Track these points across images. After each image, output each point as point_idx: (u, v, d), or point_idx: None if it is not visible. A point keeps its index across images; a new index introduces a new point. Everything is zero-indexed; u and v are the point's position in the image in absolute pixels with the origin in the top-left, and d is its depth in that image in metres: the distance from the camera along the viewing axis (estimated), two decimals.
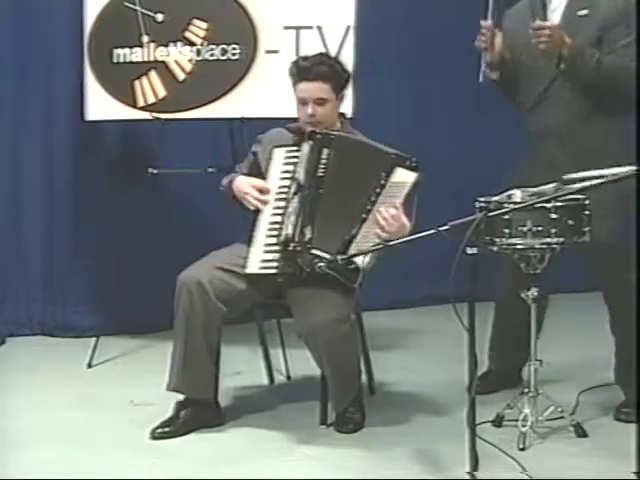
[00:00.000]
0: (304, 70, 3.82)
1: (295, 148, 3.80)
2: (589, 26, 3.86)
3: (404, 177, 3.72)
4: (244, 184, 3.84)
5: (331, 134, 3.80)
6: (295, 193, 3.76)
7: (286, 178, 3.80)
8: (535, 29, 3.82)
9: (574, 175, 3.53)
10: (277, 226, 3.75)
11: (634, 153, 3.70)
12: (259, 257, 3.75)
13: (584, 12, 3.88)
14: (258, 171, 3.90)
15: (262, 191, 3.80)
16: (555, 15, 3.94)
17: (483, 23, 3.99)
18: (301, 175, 3.76)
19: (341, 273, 3.62)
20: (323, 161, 3.75)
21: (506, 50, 4.03)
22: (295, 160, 3.79)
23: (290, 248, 3.69)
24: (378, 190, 3.70)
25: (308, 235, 3.69)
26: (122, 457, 3.57)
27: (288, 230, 3.72)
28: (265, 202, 3.79)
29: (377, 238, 3.65)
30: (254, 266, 3.75)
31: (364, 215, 3.69)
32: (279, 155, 3.83)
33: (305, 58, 3.90)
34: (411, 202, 3.75)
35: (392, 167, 3.72)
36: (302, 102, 3.82)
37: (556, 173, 3.66)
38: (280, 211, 3.77)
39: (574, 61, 3.83)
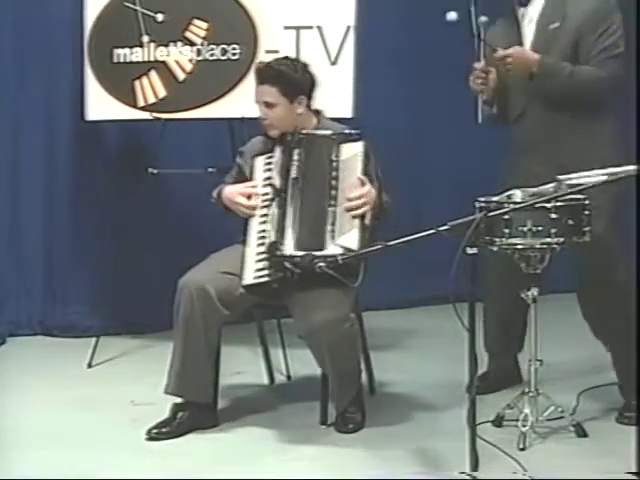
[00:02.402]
0: (256, 73, 3.89)
1: (271, 154, 3.85)
2: (562, 38, 3.88)
3: (352, 150, 3.76)
4: (232, 193, 3.87)
5: (301, 134, 3.82)
6: (273, 199, 3.79)
7: (267, 185, 3.83)
8: (498, 60, 3.89)
9: (570, 176, 3.53)
10: (264, 234, 3.78)
11: (619, 154, 3.72)
12: (252, 267, 3.76)
13: (555, 25, 3.90)
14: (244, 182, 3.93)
15: (250, 196, 3.83)
16: (529, 29, 3.98)
17: (477, 65, 3.99)
18: (276, 180, 3.80)
19: (341, 273, 3.63)
20: (295, 162, 3.79)
21: (497, 79, 4.02)
22: (272, 167, 3.83)
23: (277, 253, 3.71)
24: (334, 174, 3.75)
25: (290, 238, 3.71)
26: (122, 457, 3.57)
27: (271, 236, 3.74)
28: (255, 207, 3.82)
29: (354, 219, 3.69)
30: (249, 277, 3.76)
31: (333, 202, 3.73)
32: (259, 163, 3.88)
33: (263, 62, 3.95)
34: (370, 173, 3.79)
35: (337, 145, 3.76)
36: (256, 103, 3.88)
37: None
38: (265, 219, 3.80)
39: (545, 78, 3.85)
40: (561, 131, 3.92)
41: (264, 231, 3.78)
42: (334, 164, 3.75)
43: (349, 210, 3.71)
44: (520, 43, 3.96)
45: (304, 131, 3.86)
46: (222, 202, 3.92)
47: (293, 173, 3.79)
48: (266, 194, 3.82)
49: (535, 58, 3.86)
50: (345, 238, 3.68)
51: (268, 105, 3.83)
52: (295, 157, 3.79)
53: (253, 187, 3.85)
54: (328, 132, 3.84)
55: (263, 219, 3.80)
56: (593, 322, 3.98)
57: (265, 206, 3.81)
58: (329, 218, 3.72)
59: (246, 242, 3.81)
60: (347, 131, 3.83)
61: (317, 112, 3.96)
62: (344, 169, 3.76)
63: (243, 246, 3.82)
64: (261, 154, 3.89)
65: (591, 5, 3.88)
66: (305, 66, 3.93)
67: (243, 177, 3.95)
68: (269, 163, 3.85)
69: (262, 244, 3.77)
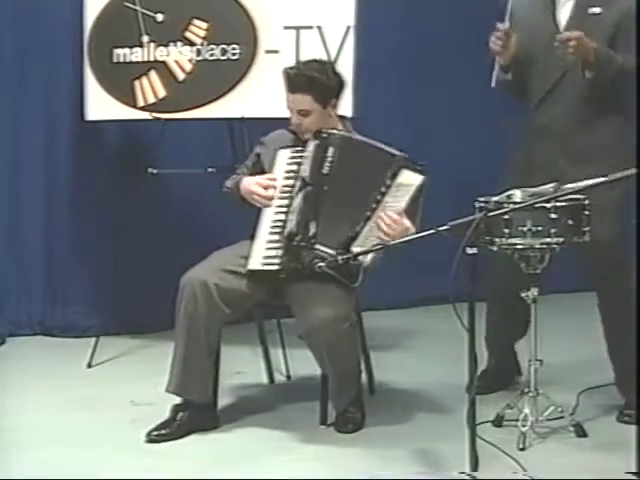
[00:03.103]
0: (287, 81, 3.85)
1: (299, 149, 3.83)
2: (601, 25, 3.79)
3: (410, 179, 3.75)
4: (251, 184, 3.86)
5: (337, 134, 3.83)
6: (300, 190, 3.79)
7: (290, 178, 3.82)
8: (562, 41, 3.73)
9: (572, 185, 3.53)
10: (280, 224, 3.78)
11: (634, 153, 3.70)
12: (261, 254, 3.77)
13: (597, 10, 3.79)
14: (261, 172, 3.91)
15: (267, 188, 3.82)
16: (564, 10, 3.87)
17: (500, 26, 3.84)
18: (306, 172, 3.80)
19: (341, 273, 3.64)
20: (329, 159, 3.78)
21: (516, 46, 3.88)
22: (299, 160, 3.82)
23: (294, 243, 3.72)
24: (383, 190, 3.73)
25: (312, 230, 3.73)
26: (122, 457, 3.58)
27: (292, 225, 3.75)
28: (271, 198, 3.81)
29: (380, 240, 3.67)
30: (256, 263, 3.76)
31: (368, 213, 3.72)
32: (283, 156, 3.86)
33: (292, 67, 3.91)
34: (416, 205, 3.78)
35: (399, 168, 3.74)
36: (290, 110, 3.86)
37: (554, 174, 3.68)
38: (283, 209, 3.80)
39: (601, 68, 3.76)
40: (585, 115, 3.85)
41: (281, 221, 3.78)
42: (387, 181, 3.73)
43: (378, 225, 3.69)
44: (554, 21, 3.84)
45: (358, 138, 3.87)
46: (239, 192, 3.90)
47: (325, 169, 3.78)
48: (287, 186, 3.81)
49: (593, 46, 3.71)
50: (361, 250, 3.67)
51: (304, 112, 3.81)
52: (329, 154, 3.78)
53: (272, 179, 3.84)
54: (394, 151, 3.79)
55: (281, 209, 3.80)
56: (605, 320, 3.96)
57: (284, 197, 3.80)
58: (357, 227, 3.71)
59: (255, 235, 3.81)
60: (414, 159, 3.78)
61: (343, 117, 3.97)
62: (394, 192, 3.73)
63: (251, 241, 3.81)
64: (286, 147, 3.87)
65: None
66: (334, 68, 3.93)
67: (259, 167, 3.95)
68: (298, 157, 3.82)
69: (276, 233, 3.77)
